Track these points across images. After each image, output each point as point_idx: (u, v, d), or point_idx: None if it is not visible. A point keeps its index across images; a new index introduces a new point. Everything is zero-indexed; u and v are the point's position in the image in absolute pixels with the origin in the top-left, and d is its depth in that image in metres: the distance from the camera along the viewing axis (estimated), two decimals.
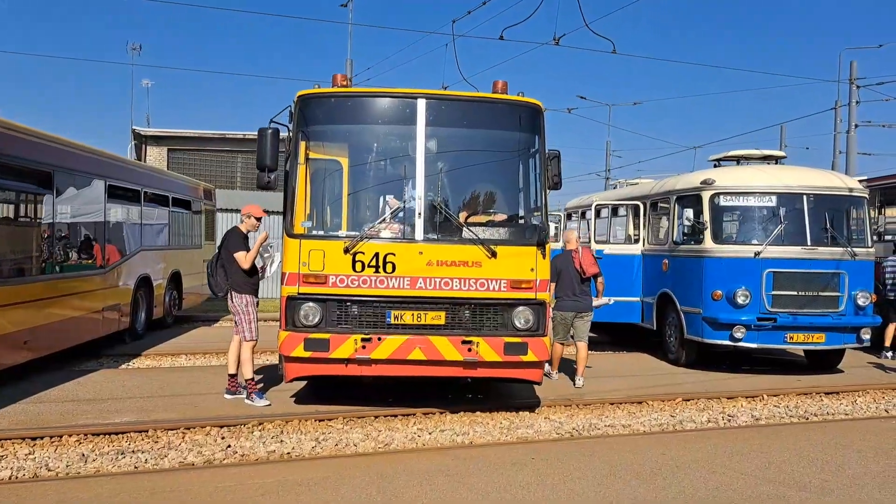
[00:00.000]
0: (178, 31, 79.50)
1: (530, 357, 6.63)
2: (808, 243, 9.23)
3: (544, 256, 6.75)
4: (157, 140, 29.29)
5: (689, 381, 9.13)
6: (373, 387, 7.54)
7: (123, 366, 9.64)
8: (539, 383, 7.07)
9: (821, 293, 9.24)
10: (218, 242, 7.82)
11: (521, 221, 7.11)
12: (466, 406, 7.35)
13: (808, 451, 5.97)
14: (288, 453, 5.69)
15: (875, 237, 12.85)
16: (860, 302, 9.29)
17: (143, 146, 31.36)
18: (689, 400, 8.18)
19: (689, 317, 9.83)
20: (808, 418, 7.60)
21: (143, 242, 11.45)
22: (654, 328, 10.96)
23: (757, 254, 9.21)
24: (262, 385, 7.60)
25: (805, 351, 10.17)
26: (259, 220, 7.42)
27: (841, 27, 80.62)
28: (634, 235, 11.75)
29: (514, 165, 7.16)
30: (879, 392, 8.89)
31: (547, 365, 8.29)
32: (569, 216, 15.80)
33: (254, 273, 7.24)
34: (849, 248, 9.28)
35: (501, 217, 7.14)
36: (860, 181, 11.62)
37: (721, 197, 9.59)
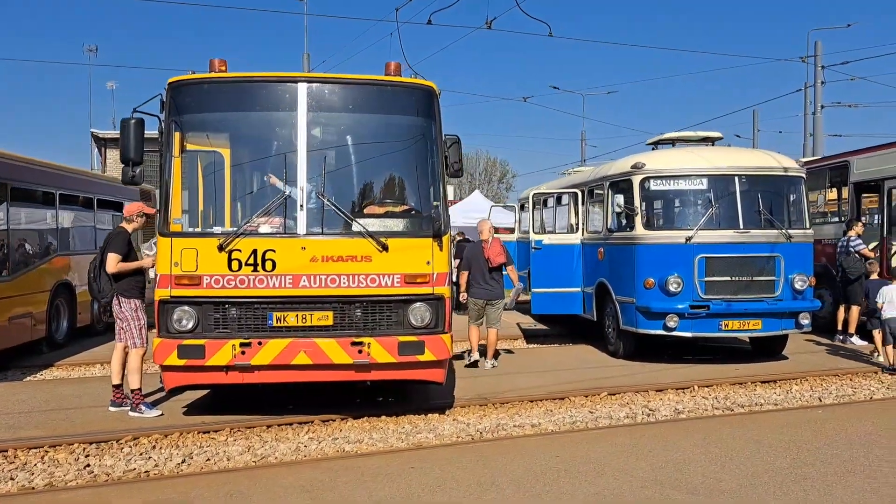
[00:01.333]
0: (136, 32, 78.15)
1: (428, 356, 6.21)
2: (741, 226, 8.85)
3: (441, 248, 6.32)
4: (118, 142, 28.62)
5: (624, 374, 8.75)
6: (283, 391, 7.09)
7: (30, 377, 9.16)
8: (441, 384, 6.64)
9: (755, 278, 8.86)
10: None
11: (417, 212, 6.66)
12: (372, 411, 6.91)
13: (715, 447, 5.59)
14: (147, 472, 5.23)
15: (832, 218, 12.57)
16: (797, 286, 8.92)
17: (104, 149, 30.77)
18: (614, 394, 7.80)
19: (624, 306, 9.45)
20: (733, 410, 7.23)
21: (60, 247, 10.95)
22: (595, 319, 10.59)
23: (688, 239, 8.82)
24: (162, 394, 7.16)
25: (750, 338, 9.81)
26: (149, 217, 6.96)
27: (813, 7, 79.76)
28: (574, 224, 11.38)
29: (408, 152, 6.70)
30: (818, 379, 8.55)
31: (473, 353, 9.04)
32: (522, 207, 15.43)
33: (139, 274, 6.79)
34: (784, 231, 8.90)
35: (394, 208, 6.70)
36: (804, 162, 11.29)
37: (651, 181, 9.19)
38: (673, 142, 10.22)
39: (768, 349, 9.85)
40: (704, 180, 9.06)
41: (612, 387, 8.01)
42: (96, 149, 31.79)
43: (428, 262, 6.26)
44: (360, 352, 6.08)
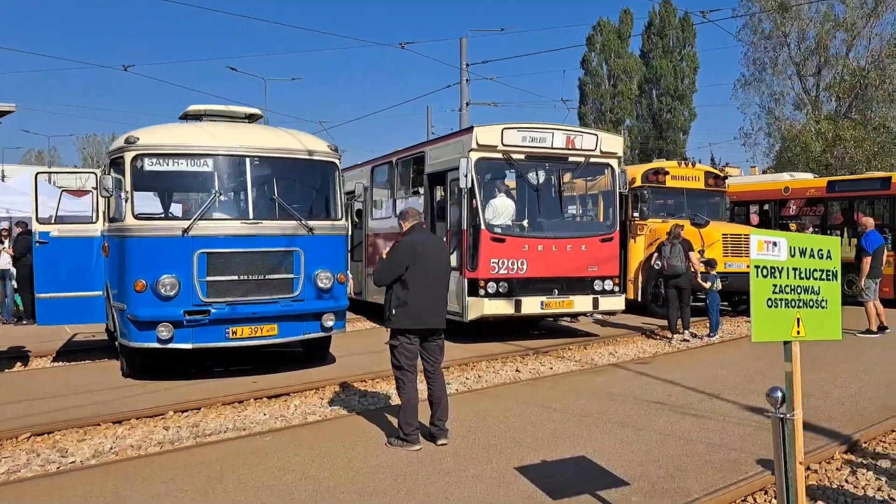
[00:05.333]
0: None
1: None
2: (251, 217, 7.58)
3: None
4: None
5: (125, 397, 7.00)
6: None
7: None
8: None
9: (270, 276, 7.65)
10: None
11: None
12: None
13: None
14: None
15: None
16: (322, 284, 7.92)
17: None
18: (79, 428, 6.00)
19: (120, 315, 7.64)
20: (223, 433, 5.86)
21: None
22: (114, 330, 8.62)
23: (185, 231, 7.29)
24: None
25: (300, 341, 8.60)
26: None
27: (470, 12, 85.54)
28: (102, 213, 9.25)
29: None
30: (318, 392, 7.50)
31: None
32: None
33: None
34: (303, 222, 7.82)
35: None
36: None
37: (146, 159, 7.47)
38: (200, 115, 8.63)
39: (316, 354, 8.86)
40: (209, 161, 7.59)
41: (77, 419, 6.18)
42: None
43: None
44: None
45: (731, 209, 16.68)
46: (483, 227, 9.78)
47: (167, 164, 7.49)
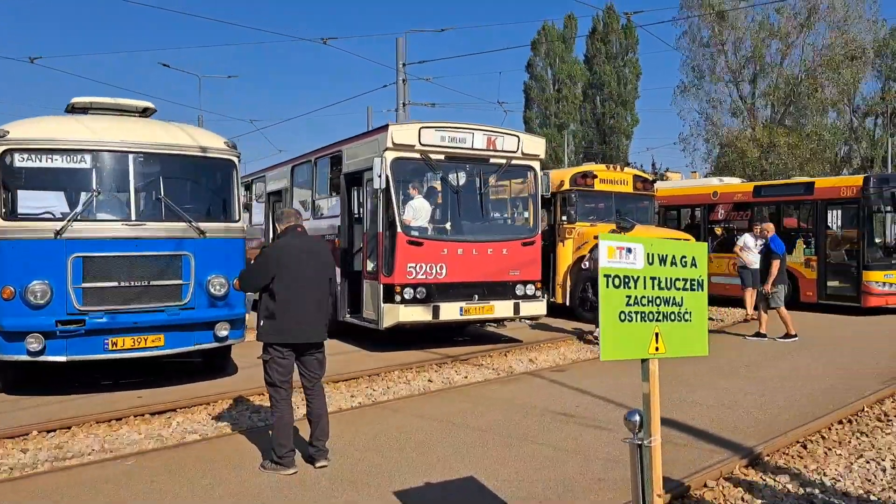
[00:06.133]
0: None
1: None
2: (133, 218, 7.01)
3: None
4: None
5: None
6: None
7: None
8: None
9: (155, 282, 7.09)
10: None
11: None
12: None
13: None
14: None
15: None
16: (215, 291, 7.40)
17: None
18: None
19: None
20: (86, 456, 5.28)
21: None
22: None
23: (58, 234, 6.68)
24: None
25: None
26: None
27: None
28: None
29: None
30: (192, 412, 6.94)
31: None
32: None
33: None
34: (193, 224, 7.29)
35: None
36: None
37: (16, 154, 6.84)
38: (86, 108, 8.00)
39: (217, 364, 8.32)
40: (86, 156, 6.99)
41: None
42: None
43: None
44: None
45: (663, 213, 16.71)
46: (399, 229, 9.38)
47: (40, 160, 6.87)
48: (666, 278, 2.79)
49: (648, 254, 2.74)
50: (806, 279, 14.27)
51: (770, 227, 11.10)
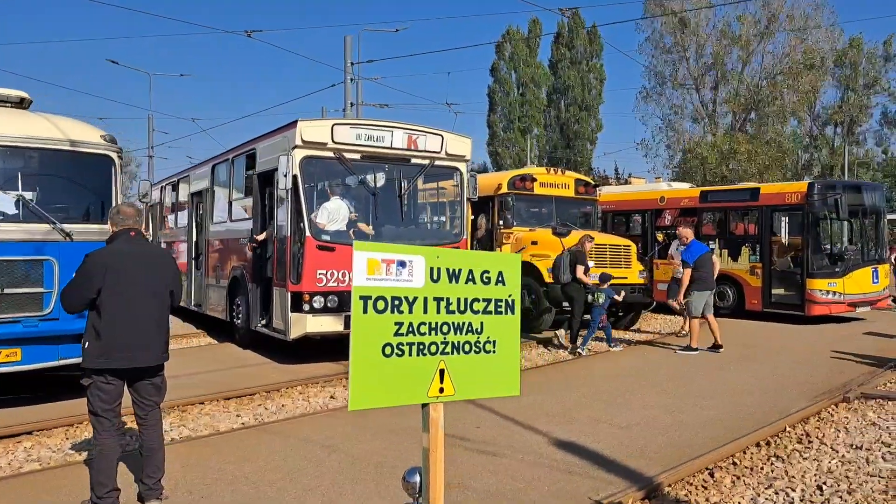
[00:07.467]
0: None
1: None
2: None
3: None
4: None
5: None
6: None
7: None
8: None
9: (8, 290, 6.34)
10: None
11: None
12: None
13: None
14: None
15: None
16: None
17: None
18: None
19: None
20: None
21: None
22: None
23: None
24: None
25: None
26: None
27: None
28: None
29: None
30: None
31: None
32: None
33: None
34: (58, 226, 6.56)
35: None
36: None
37: None
38: None
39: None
40: None
41: None
42: None
43: None
44: None
45: (610, 219, 16.27)
46: (308, 234, 8.72)
47: None
48: (458, 299, 2.20)
49: (432, 268, 2.14)
50: (751, 287, 13.90)
51: (687, 234, 10.60)
